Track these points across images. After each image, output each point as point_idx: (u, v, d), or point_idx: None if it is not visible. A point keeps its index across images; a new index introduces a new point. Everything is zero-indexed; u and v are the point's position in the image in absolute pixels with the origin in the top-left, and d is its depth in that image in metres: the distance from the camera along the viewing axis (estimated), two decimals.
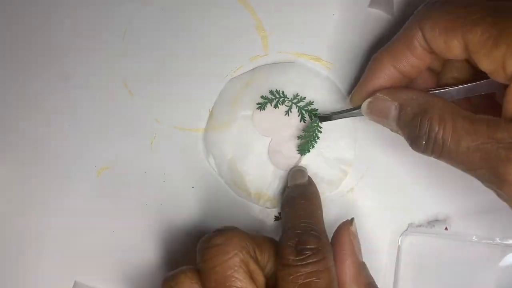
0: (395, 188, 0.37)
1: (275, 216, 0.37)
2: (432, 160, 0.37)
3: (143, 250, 0.37)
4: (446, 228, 0.36)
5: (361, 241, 0.36)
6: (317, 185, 0.36)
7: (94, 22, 0.38)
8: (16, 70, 0.39)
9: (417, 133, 0.29)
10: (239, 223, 0.36)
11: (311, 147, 0.37)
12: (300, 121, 0.37)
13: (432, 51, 0.30)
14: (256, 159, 0.37)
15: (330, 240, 0.31)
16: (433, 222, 0.36)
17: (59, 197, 0.38)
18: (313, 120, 0.37)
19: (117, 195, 0.38)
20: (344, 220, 0.32)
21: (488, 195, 0.36)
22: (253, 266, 0.28)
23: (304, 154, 0.37)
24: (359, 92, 0.33)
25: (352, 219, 0.32)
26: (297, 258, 0.28)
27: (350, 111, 0.34)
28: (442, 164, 0.36)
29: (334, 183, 0.37)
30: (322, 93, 0.37)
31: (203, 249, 0.28)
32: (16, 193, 0.38)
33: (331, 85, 0.37)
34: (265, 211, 0.37)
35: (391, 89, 0.31)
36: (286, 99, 0.37)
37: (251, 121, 0.37)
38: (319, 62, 0.38)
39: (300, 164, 0.37)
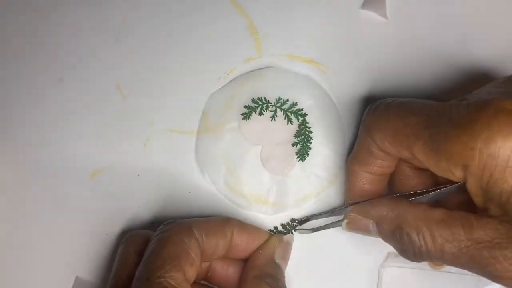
0: None
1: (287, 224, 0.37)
2: None
3: None
4: None
5: (340, 273, 0.36)
6: (312, 181, 0.37)
7: (87, 25, 0.38)
8: (9, 73, 0.39)
9: (402, 248, 0.29)
10: None
11: (308, 150, 0.37)
12: (288, 124, 0.37)
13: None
14: (251, 169, 0.37)
15: None
16: None
17: (53, 199, 0.37)
18: (300, 123, 0.37)
19: (110, 198, 0.37)
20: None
21: None
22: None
23: (305, 159, 0.37)
24: (348, 200, 0.34)
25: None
26: None
27: (333, 226, 0.34)
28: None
29: (329, 179, 0.37)
30: (304, 92, 0.37)
31: None
32: (11, 195, 0.38)
33: (311, 82, 0.38)
34: (261, 218, 0.37)
35: (362, 206, 0.31)
36: (269, 104, 0.37)
37: (239, 132, 0.37)
38: (312, 64, 0.38)
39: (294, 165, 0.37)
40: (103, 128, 0.38)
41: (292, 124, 0.37)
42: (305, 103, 0.37)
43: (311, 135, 0.37)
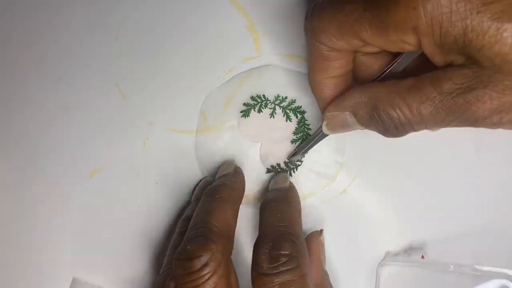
0: (370, 215, 0.36)
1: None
2: (404, 186, 0.36)
3: (136, 251, 0.37)
4: (422, 257, 0.35)
5: (339, 272, 0.36)
6: (311, 179, 0.37)
7: (87, 24, 0.39)
8: (9, 73, 0.39)
9: (383, 126, 0.29)
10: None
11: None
12: (286, 121, 0.37)
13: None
14: (250, 166, 0.37)
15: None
16: (409, 251, 0.35)
17: (52, 198, 0.38)
18: (299, 120, 0.37)
19: (109, 197, 0.37)
20: (314, 231, 0.35)
21: (463, 220, 0.35)
22: None
23: (304, 156, 0.37)
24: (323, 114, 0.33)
25: (321, 230, 0.35)
26: (270, 266, 0.29)
27: (315, 139, 0.35)
28: (412, 191, 0.36)
29: (328, 177, 0.37)
30: (303, 89, 0.37)
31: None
32: (11, 195, 0.38)
33: None
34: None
35: (335, 102, 0.31)
36: (268, 102, 0.37)
37: (238, 130, 0.37)
38: None
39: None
40: (102, 127, 0.38)
41: (291, 121, 0.37)
42: (304, 100, 0.37)
43: (310, 132, 0.37)
